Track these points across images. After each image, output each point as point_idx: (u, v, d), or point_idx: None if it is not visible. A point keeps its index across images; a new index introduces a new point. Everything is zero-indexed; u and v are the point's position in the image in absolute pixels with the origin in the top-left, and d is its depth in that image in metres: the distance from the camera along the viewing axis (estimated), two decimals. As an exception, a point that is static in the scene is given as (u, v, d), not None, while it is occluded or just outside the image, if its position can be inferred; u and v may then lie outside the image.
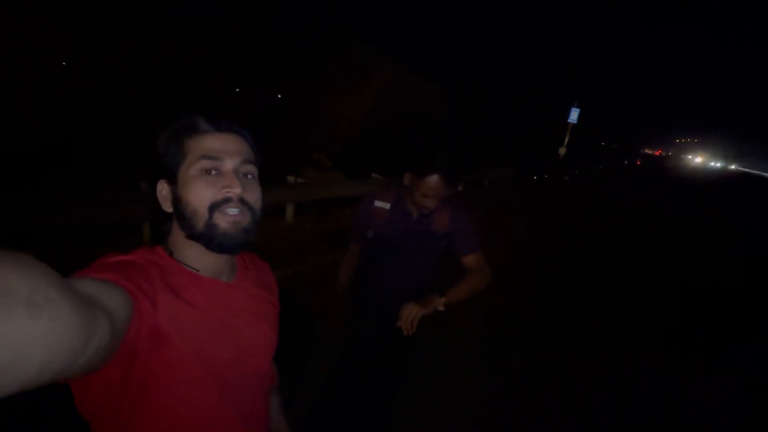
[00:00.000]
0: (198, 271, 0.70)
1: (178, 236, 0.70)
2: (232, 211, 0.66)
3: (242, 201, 0.67)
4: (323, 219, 6.08)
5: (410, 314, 1.33)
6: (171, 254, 0.70)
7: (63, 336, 0.33)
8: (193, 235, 0.67)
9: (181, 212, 0.67)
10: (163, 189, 0.70)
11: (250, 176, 0.70)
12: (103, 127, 10.75)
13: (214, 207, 0.65)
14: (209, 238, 0.66)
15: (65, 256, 3.44)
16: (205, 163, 0.66)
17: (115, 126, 11.09)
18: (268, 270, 0.91)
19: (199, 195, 0.65)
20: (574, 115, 19.22)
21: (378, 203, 1.60)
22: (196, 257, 0.70)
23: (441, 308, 1.43)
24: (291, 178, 6.95)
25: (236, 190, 0.66)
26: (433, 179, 1.40)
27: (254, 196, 0.69)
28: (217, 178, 0.66)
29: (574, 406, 2.61)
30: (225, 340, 0.69)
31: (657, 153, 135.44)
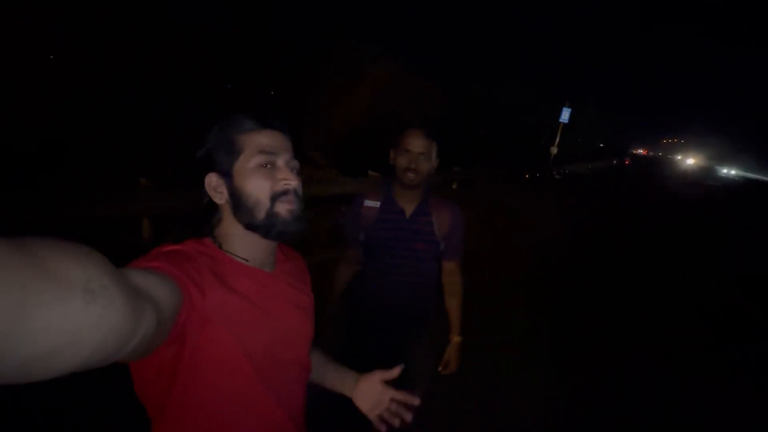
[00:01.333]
0: (248, 261, 0.73)
1: (230, 227, 0.74)
2: (290, 201, 0.73)
3: (295, 192, 0.74)
4: (318, 217, 6.07)
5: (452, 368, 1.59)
6: (220, 246, 0.73)
7: (114, 323, 0.35)
8: (253, 225, 0.72)
9: (240, 203, 0.72)
10: (212, 181, 0.73)
11: (295, 170, 0.77)
12: (101, 126, 10.60)
13: (274, 197, 0.72)
14: (269, 227, 0.72)
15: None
16: (263, 158, 0.72)
17: (113, 124, 10.94)
18: (302, 262, 0.94)
19: (261, 186, 0.71)
20: (565, 115, 19.39)
21: (368, 202, 1.52)
22: (247, 247, 0.74)
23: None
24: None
25: (293, 183, 0.73)
26: (411, 132, 1.40)
27: (301, 189, 0.77)
28: (273, 171, 0.73)
29: (574, 405, 2.62)
30: (267, 328, 0.72)
31: (644, 152, 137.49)
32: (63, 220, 3.27)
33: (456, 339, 1.57)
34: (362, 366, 1.59)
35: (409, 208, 1.49)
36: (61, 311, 0.30)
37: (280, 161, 0.74)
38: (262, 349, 0.70)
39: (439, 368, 1.59)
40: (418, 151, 1.39)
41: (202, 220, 0.75)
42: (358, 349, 1.62)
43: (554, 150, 18.45)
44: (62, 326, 0.30)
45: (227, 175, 0.72)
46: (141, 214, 3.92)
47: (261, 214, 0.71)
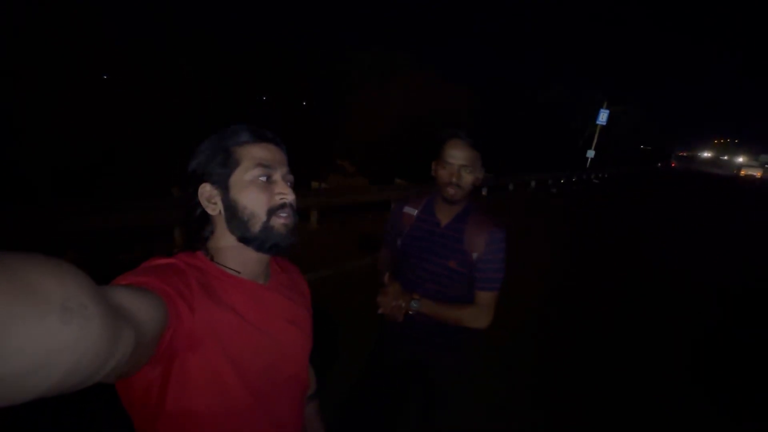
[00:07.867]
0: (240, 273, 0.72)
1: (222, 239, 0.73)
2: (287, 215, 0.73)
3: (291, 206, 0.74)
4: (346, 224, 6.14)
5: (389, 303, 1.28)
6: (212, 258, 0.72)
7: (90, 344, 0.33)
8: (247, 238, 0.71)
9: (235, 215, 0.71)
10: (205, 192, 0.72)
11: (290, 184, 0.76)
12: (135, 139, 11.25)
13: (271, 211, 0.72)
14: (263, 240, 0.71)
15: (104, 258, 3.61)
16: (260, 171, 0.71)
17: (145, 137, 11.58)
18: (298, 273, 0.93)
19: (257, 200, 0.71)
20: (603, 117, 18.74)
21: (407, 209, 1.48)
22: (240, 260, 0.73)
23: (410, 311, 1.31)
24: (315, 184, 7.06)
25: (290, 197, 0.73)
26: (453, 142, 1.31)
27: (296, 203, 0.76)
28: (269, 185, 0.72)
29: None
30: (260, 345, 0.70)
31: (684, 154, 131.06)
32: (103, 225, 3.47)
33: (414, 300, 1.30)
34: (388, 377, 1.54)
35: (445, 220, 1.40)
36: (36, 330, 0.29)
37: (277, 175, 0.73)
38: (256, 366, 0.69)
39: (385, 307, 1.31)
40: (460, 163, 1.30)
41: (195, 231, 0.74)
42: (385, 360, 1.55)
43: (591, 153, 17.83)
44: (36, 346, 0.29)
45: (223, 187, 0.71)
46: (173, 222, 4.11)
47: (256, 228, 0.70)
